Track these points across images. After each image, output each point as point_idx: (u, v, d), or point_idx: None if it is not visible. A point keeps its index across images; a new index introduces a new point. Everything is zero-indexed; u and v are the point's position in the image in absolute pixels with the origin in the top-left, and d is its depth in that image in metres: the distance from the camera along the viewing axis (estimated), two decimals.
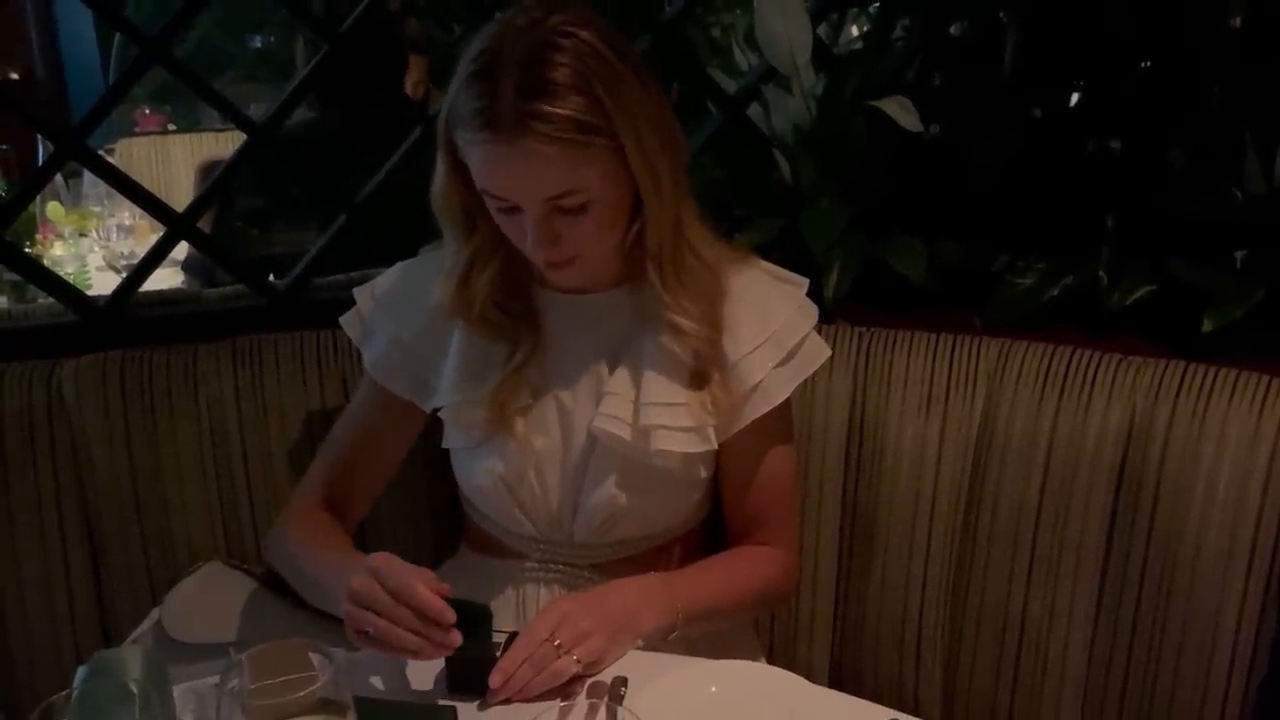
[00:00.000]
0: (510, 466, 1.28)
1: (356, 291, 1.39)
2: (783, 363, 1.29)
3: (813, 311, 1.33)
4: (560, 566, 1.34)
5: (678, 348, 1.24)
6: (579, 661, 1.10)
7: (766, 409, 1.29)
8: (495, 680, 1.08)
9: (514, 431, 1.27)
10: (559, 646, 1.10)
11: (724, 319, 1.27)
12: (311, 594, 1.29)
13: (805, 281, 1.34)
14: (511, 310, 1.27)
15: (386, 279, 1.38)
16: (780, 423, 1.33)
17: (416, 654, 1.06)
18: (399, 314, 1.34)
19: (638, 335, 1.27)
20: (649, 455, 1.25)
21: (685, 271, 1.24)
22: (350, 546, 1.29)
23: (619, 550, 1.33)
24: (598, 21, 1.15)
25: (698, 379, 1.26)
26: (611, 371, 1.28)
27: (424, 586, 1.06)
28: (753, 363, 1.28)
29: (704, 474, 1.32)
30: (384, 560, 1.10)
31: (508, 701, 1.08)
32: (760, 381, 1.28)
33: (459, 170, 1.19)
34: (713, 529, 1.42)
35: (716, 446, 1.28)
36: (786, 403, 1.32)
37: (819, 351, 1.33)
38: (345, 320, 1.39)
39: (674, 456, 1.26)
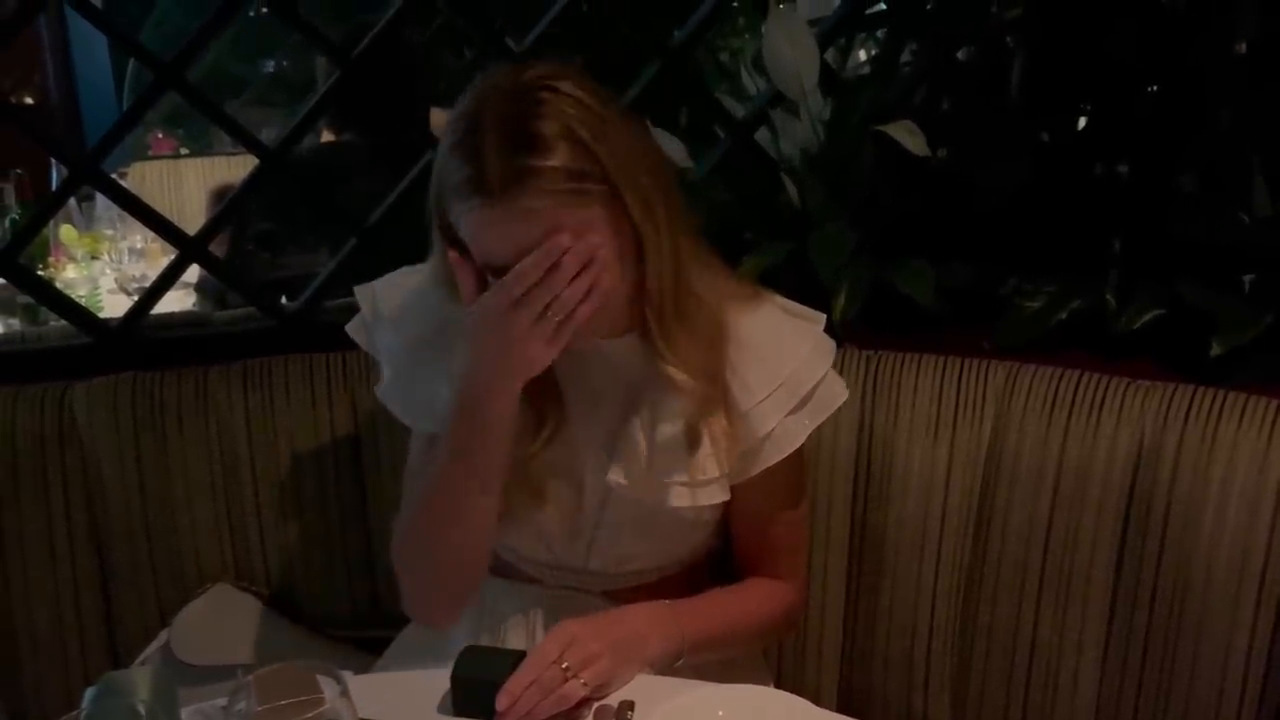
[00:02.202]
0: (527, 509, 1.25)
1: (358, 291, 1.34)
2: (796, 409, 1.25)
3: (829, 349, 1.29)
4: (572, 591, 1.33)
5: (682, 403, 1.21)
6: (586, 685, 1.10)
7: (778, 458, 1.25)
8: (502, 702, 1.07)
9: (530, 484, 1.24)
10: (567, 669, 1.10)
11: (732, 365, 1.23)
12: (458, 469, 1.18)
13: (822, 317, 1.30)
14: (537, 383, 1.17)
15: (389, 287, 1.32)
16: (792, 464, 1.29)
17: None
18: (402, 331, 1.29)
19: (645, 388, 1.23)
20: (663, 509, 1.24)
21: (686, 318, 1.19)
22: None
23: (631, 579, 1.32)
24: (575, 71, 1.12)
25: (709, 431, 1.22)
26: (624, 421, 1.24)
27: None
28: (765, 411, 1.24)
29: (716, 515, 1.31)
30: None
31: None
32: (772, 430, 1.24)
33: (459, 244, 1.13)
34: (722, 553, 1.42)
35: (727, 498, 1.26)
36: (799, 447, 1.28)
37: (835, 394, 1.29)
38: (351, 328, 1.34)
39: (687, 509, 1.24)
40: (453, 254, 1.12)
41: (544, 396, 1.22)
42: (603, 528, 1.27)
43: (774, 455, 1.25)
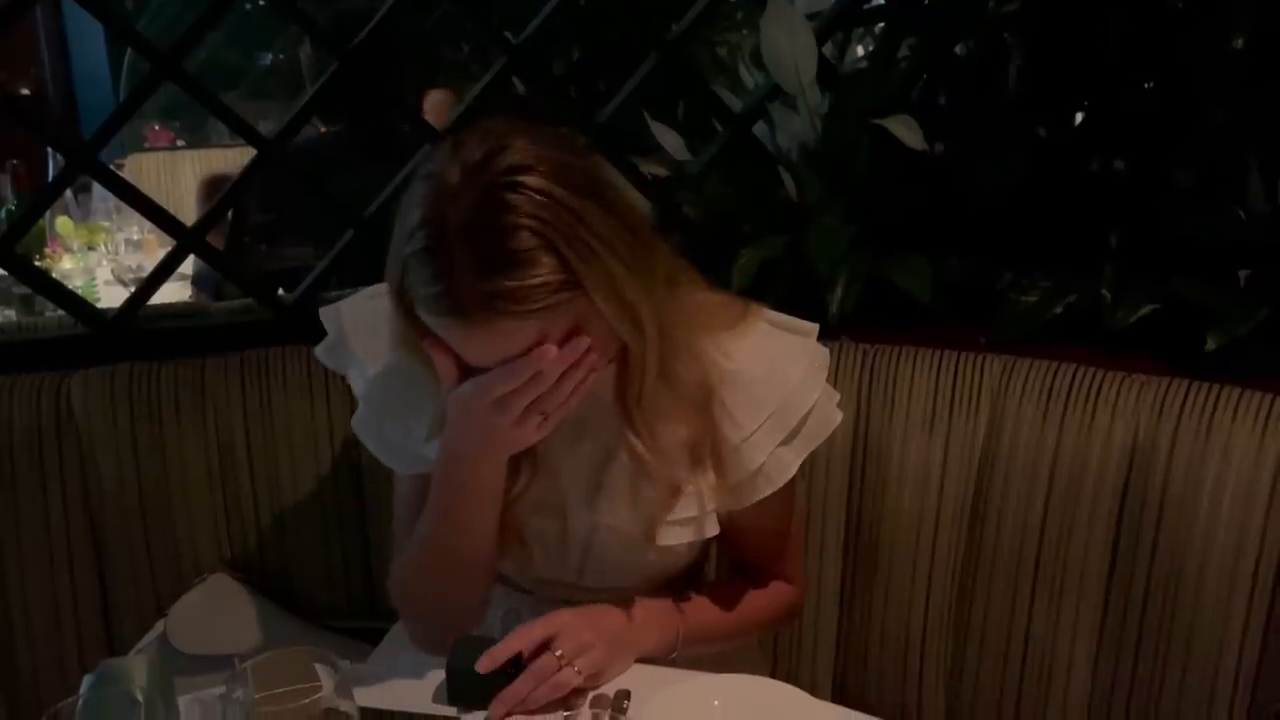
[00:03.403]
0: (507, 546, 1.22)
1: (323, 314, 1.29)
2: (787, 440, 1.19)
3: (822, 366, 1.22)
4: (566, 602, 1.31)
5: (670, 448, 1.16)
6: (580, 673, 1.10)
7: (770, 490, 1.20)
8: (496, 709, 1.07)
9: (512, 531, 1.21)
10: (560, 657, 1.10)
11: (721, 400, 1.17)
12: (448, 533, 1.16)
13: (814, 328, 1.24)
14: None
15: (354, 312, 1.26)
16: (787, 486, 1.23)
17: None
18: (370, 362, 1.23)
19: (629, 425, 1.16)
20: (651, 550, 1.21)
21: (672, 384, 1.13)
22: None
23: (625, 593, 1.26)
24: (540, 150, 1.00)
25: (695, 471, 1.18)
26: (607, 465, 1.19)
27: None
28: (755, 443, 1.18)
29: (705, 540, 1.27)
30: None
31: (509, 714, 1.08)
32: (763, 464, 1.19)
33: (420, 326, 1.05)
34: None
35: (717, 531, 1.22)
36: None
37: (828, 420, 1.22)
38: (320, 352, 1.30)
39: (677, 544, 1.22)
40: (428, 342, 1.05)
41: (523, 454, 1.16)
42: (590, 561, 1.25)
43: (765, 488, 1.20)
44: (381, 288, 1.18)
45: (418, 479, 1.22)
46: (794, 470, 1.21)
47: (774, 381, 1.19)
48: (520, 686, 1.08)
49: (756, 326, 1.21)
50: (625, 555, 1.24)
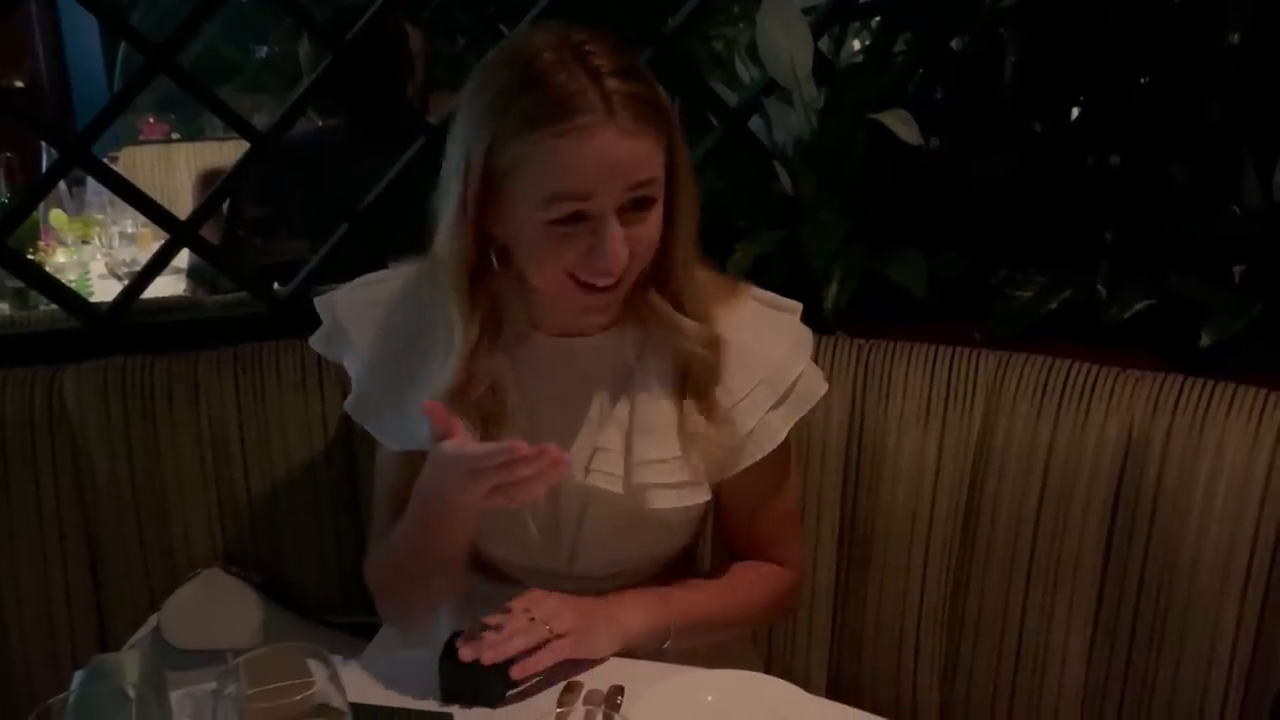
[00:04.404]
0: (501, 516, 1.23)
1: (318, 304, 1.32)
2: (777, 405, 1.25)
3: (807, 341, 1.29)
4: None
5: (665, 403, 1.21)
6: (550, 628, 1.12)
7: (761, 455, 1.25)
8: (465, 653, 1.10)
9: None
10: (531, 618, 1.13)
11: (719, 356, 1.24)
12: (424, 545, 1.21)
13: (799, 306, 1.29)
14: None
15: (348, 300, 1.29)
16: (777, 458, 1.28)
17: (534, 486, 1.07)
18: (365, 345, 1.27)
19: (627, 387, 1.23)
20: (644, 512, 1.23)
21: (689, 292, 1.21)
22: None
23: (618, 580, 1.29)
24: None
25: (689, 431, 1.22)
26: (602, 425, 1.23)
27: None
28: (746, 409, 1.24)
29: (701, 514, 1.31)
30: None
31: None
32: (753, 429, 1.24)
33: (476, 218, 1.13)
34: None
35: (710, 498, 1.25)
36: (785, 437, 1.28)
37: (815, 388, 1.28)
38: (315, 341, 1.33)
39: (670, 509, 1.24)
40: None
41: (504, 392, 1.21)
42: (584, 534, 1.26)
43: (756, 453, 1.25)
44: (374, 276, 1.28)
45: (402, 455, 1.25)
46: (783, 436, 1.26)
47: (763, 351, 1.25)
48: (492, 636, 1.11)
49: (745, 300, 1.27)
50: (617, 533, 1.25)
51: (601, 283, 1.13)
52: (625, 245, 1.10)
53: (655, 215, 1.13)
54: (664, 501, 1.22)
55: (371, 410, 1.27)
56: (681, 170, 1.15)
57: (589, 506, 1.24)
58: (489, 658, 1.09)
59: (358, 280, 1.31)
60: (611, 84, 1.08)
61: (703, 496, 1.24)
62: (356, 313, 1.28)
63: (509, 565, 1.32)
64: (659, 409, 1.22)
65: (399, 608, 1.31)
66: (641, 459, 1.21)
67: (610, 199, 1.09)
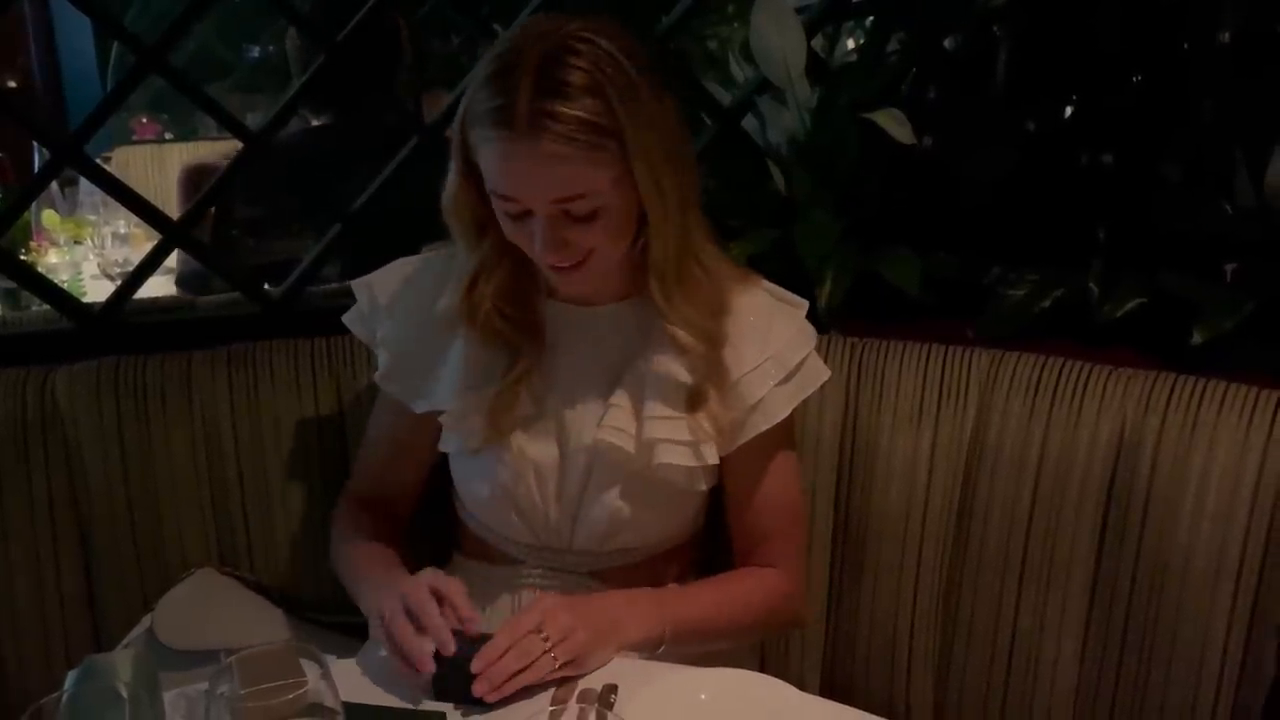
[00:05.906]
0: (508, 475, 1.28)
1: (355, 286, 1.39)
2: (784, 381, 1.30)
3: (812, 333, 1.35)
4: (558, 573, 1.34)
5: (677, 364, 1.25)
6: (556, 659, 1.11)
7: (766, 426, 1.29)
8: (477, 665, 1.09)
9: (511, 441, 1.27)
10: (545, 639, 1.11)
11: (726, 335, 1.28)
12: (350, 588, 1.36)
13: (805, 304, 1.36)
14: (516, 320, 1.28)
15: (385, 279, 1.38)
16: (782, 441, 1.34)
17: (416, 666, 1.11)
18: (399, 318, 1.35)
19: (641, 350, 1.28)
20: (651, 468, 1.26)
21: (689, 284, 1.25)
22: (387, 557, 1.34)
23: (618, 558, 1.33)
24: (619, 30, 1.17)
25: (698, 395, 1.26)
26: (613, 386, 1.28)
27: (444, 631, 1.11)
28: (754, 380, 1.29)
29: (704, 487, 1.32)
30: (414, 593, 1.15)
31: (500, 704, 1.09)
32: (761, 399, 1.29)
33: (472, 175, 1.20)
34: (713, 538, 1.43)
35: (717, 461, 1.29)
36: (789, 422, 1.32)
37: (819, 372, 1.34)
38: (349, 319, 1.40)
39: (676, 470, 1.27)
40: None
41: (525, 336, 1.28)
42: (589, 493, 1.28)
43: (762, 424, 1.29)
44: (408, 259, 1.38)
45: (412, 415, 1.35)
46: (788, 410, 1.31)
47: (772, 330, 1.31)
48: (505, 664, 1.09)
49: (757, 289, 1.34)
50: (625, 491, 1.27)
51: (553, 266, 1.19)
52: (561, 246, 1.16)
53: (604, 223, 1.16)
54: (671, 457, 1.26)
55: (402, 377, 1.34)
56: (647, 179, 1.16)
57: (595, 467, 1.28)
58: (492, 697, 1.09)
59: (393, 263, 1.39)
60: (545, 104, 1.10)
61: (709, 458, 1.27)
62: (391, 286, 1.36)
63: (508, 543, 1.33)
64: (667, 373, 1.26)
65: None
66: (650, 415, 1.25)
67: (538, 205, 1.15)
